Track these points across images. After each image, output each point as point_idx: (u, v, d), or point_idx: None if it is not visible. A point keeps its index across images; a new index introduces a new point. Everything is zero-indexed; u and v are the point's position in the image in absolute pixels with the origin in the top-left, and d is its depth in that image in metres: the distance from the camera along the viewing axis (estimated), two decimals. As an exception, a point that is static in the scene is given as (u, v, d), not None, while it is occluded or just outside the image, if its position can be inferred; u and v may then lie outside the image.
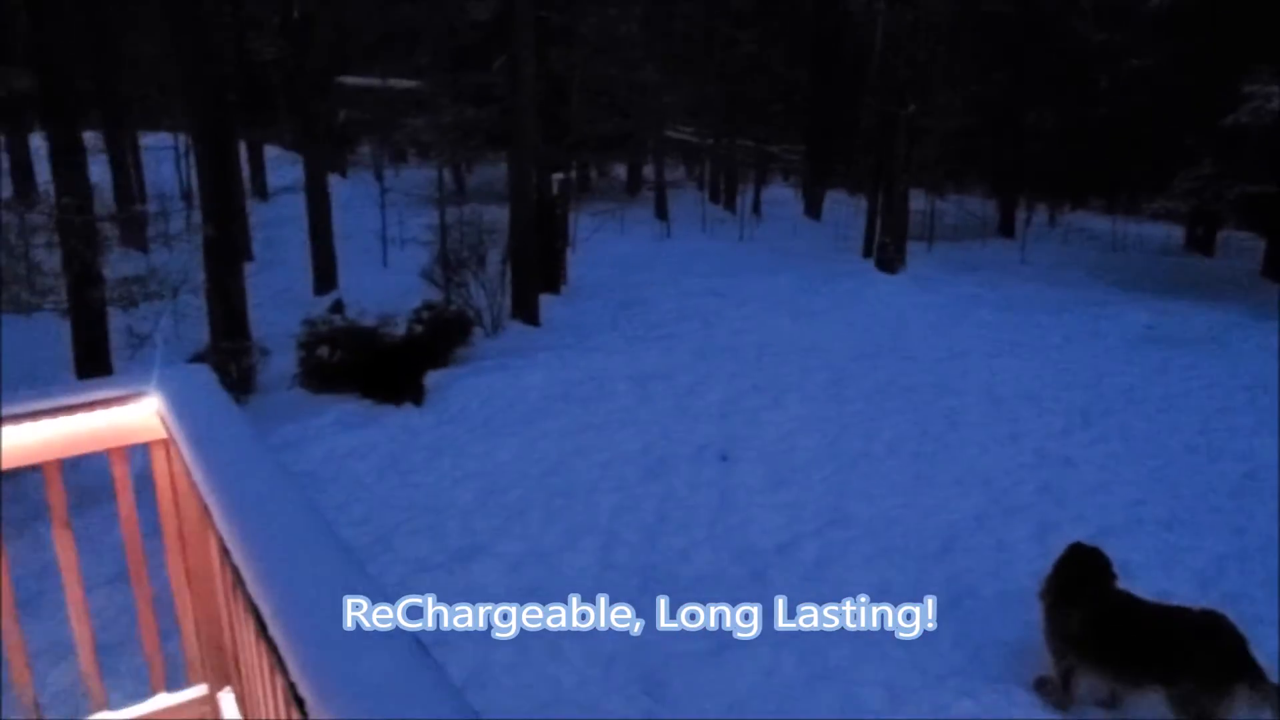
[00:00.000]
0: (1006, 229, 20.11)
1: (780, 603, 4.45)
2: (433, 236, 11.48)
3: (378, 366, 7.77)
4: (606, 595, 4.49)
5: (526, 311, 10.56)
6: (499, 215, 11.10)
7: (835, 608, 4.42)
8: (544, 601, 4.41)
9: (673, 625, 4.25)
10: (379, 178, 16.17)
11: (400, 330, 8.58)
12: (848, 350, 9.17)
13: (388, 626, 1.14)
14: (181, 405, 2.00)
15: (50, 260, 7.16)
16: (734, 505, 5.64)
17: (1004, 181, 20.84)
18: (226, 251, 8.42)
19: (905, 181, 14.80)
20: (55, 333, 7.63)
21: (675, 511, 5.53)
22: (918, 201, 18.11)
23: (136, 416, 2.16)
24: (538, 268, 10.94)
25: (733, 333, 9.82)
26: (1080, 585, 3.81)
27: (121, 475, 2.23)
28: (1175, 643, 3.57)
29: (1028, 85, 19.31)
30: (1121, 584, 4.03)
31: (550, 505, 5.59)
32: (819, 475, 6.12)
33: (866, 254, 15.76)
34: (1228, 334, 10.90)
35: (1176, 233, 19.67)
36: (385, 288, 11.09)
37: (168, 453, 2.18)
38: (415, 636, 1.15)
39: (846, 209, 21.05)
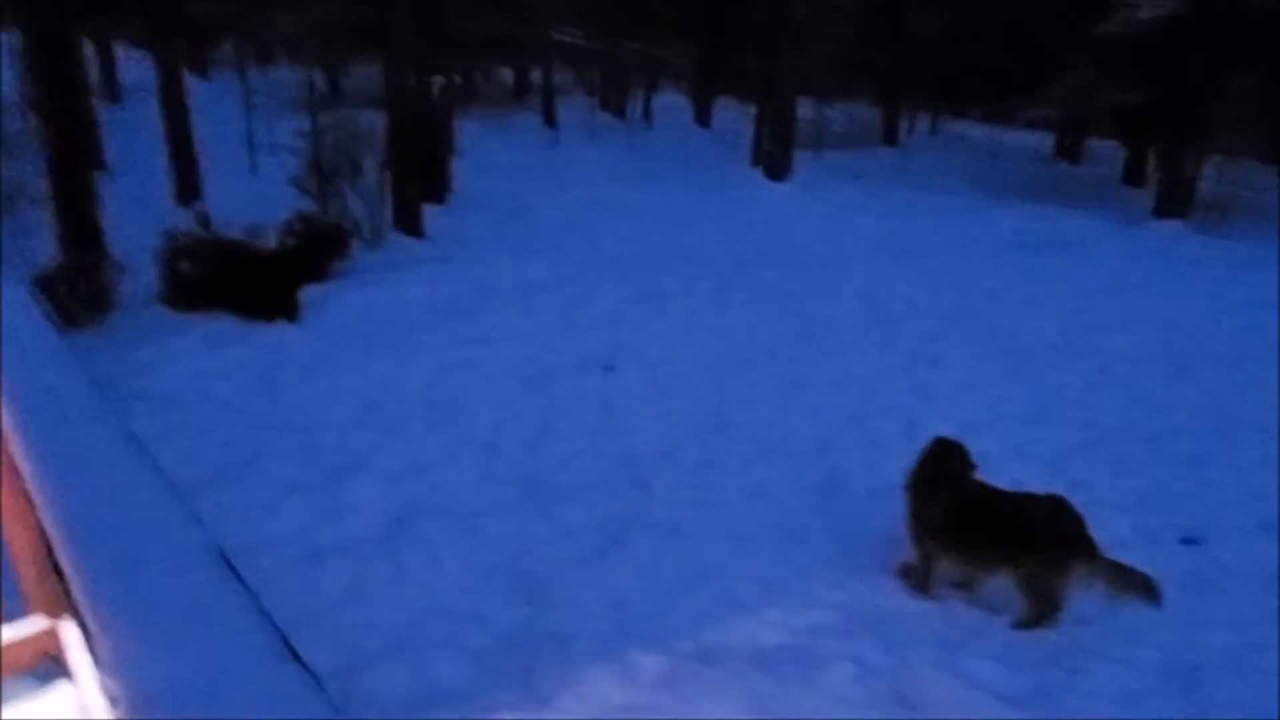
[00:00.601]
0: (891, 137, 20.49)
1: (659, 506, 4.54)
2: (304, 143, 10.88)
3: (247, 281, 7.39)
4: (486, 505, 4.49)
5: (408, 222, 10.21)
6: (376, 121, 10.59)
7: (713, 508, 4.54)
8: (423, 515, 4.38)
9: (554, 533, 4.28)
10: (243, 78, 15.14)
11: (271, 243, 8.16)
12: (732, 258, 9.25)
13: (191, 548, 1.07)
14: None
15: None
16: (616, 414, 5.68)
17: (889, 90, 21.11)
18: (71, 158, 7.77)
19: (792, 89, 14.80)
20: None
21: (557, 422, 5.53)
22: (805, 110, 18.20)
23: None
24: (419, 177, 10.55)
25: (619, 242, 9.76)
26: (941, 477, 4.00)
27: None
28: (1021, 526, 3.81)
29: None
30: (982, 475, 4.27)
31: (430, 420, 5.51)
32: (701, 382, 6.22)
33: (755, 163, 15.79)
34: (1089, 238, 11.48)
35: (1049, 141, 20.43)
36: (254, 198, 10.48)
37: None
38: (221, 553, 1.09)
39: (737, 117, 20.97)
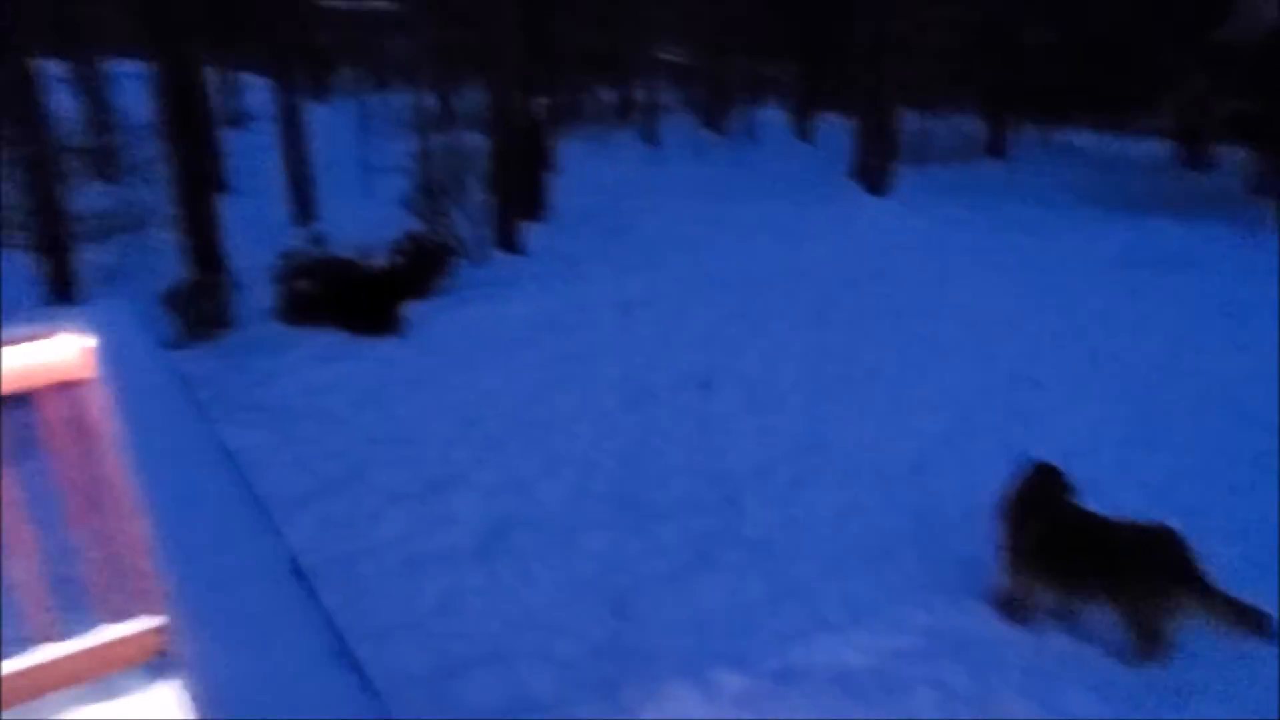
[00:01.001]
0: (997, 149, 19.86)
1: (750, 525, 4.54)
2: (414, 164, 11.33)
3: (357, 298, 7.74)
4: (580, 520, 4.57)
5: (510, 240, 10.49)
6: (483, 142, 10.93)
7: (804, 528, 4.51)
8: (518, 528, 4.49)
9: (645, 549, 4.33)
10: (359, 103, 15.86)
11: (380, 261, 8.52)
12: (832, 275, 9.15)
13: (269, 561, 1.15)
14: (102, 343, 1.99)
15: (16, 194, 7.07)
16: (712, 432, 5.69)
17: (995, 100, 20.49)
18: (195, 182, 8.30)
19: (894, 102, 14.55)
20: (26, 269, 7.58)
21: (653, 439, 5.58)
22: (909, 122, 17.85)
23: (62, 354, 2.16)
24: (521, 195, 10.83)
25: (718, 259, 9.77)
26: (1037, 502, 3.87)
27: (52, 410, 2.23)
28: (1123, 555, 3.64)
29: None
30: (1082, 501, 4.11)
31: (529, 435, 5.64)
32: (797, 401, 6.17)
33: (856, 177, 15.57)
34: (1207, 254, 10.86)
35: (1167, 150, 19.41)
36: (366, 217, 10.98)
37: (92, 389, 2.18)
38: (298, 568, 1.17)
39: (839, 132, 20.71)
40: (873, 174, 14.23)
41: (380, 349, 7.23)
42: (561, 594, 3.94)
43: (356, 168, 14.27)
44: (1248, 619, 3.50)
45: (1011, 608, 3.91)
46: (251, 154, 15.01)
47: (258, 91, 19.70)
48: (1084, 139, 21.71)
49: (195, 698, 0.98)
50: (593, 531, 4.45)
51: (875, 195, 13.77)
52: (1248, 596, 3.60)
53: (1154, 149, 19.67)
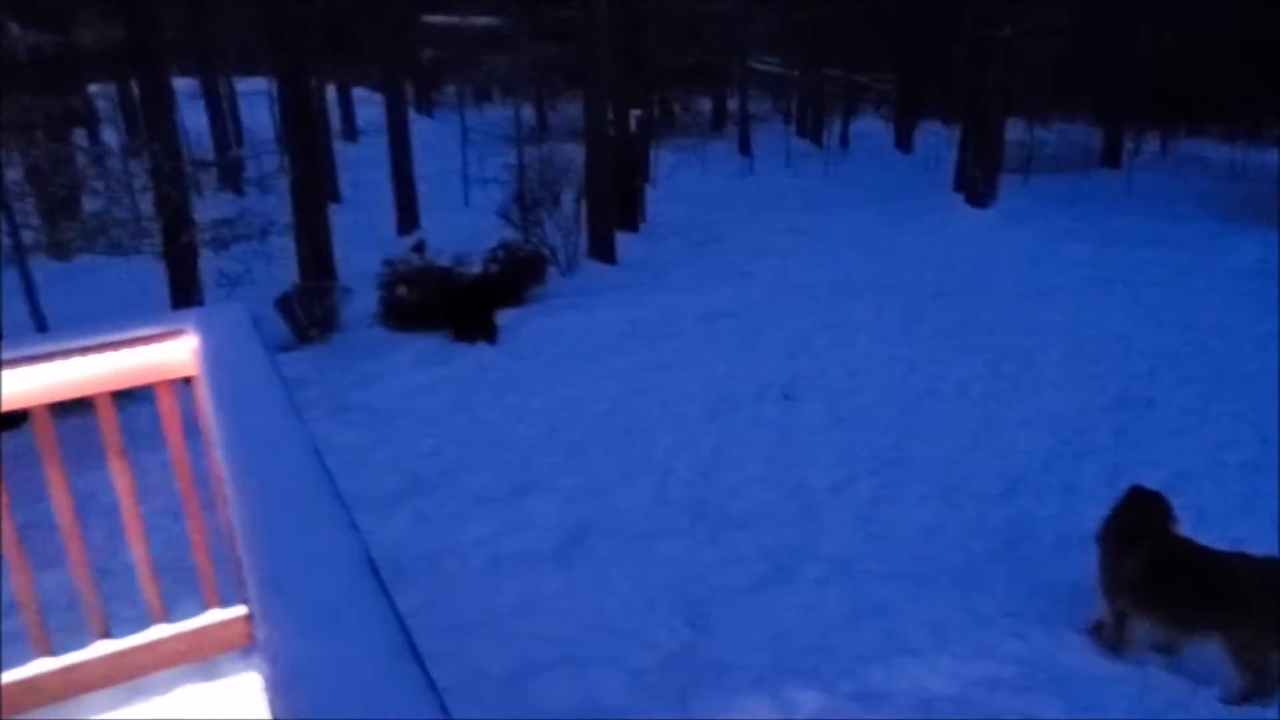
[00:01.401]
0: (1112, 159, 19.03)
1: (828, 540, 4.47)
2: (511, 176, 11.58)
3: (453, 305, 7.96)
4: (657, 528, 4.59)
5: (602, 250, 10.61)
6: (578, 153, 11.11)
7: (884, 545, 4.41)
8: (597, 534, 4.54)
9: (721, 559, 4.32)
10: (462, 116, 16.32)
11: (476, 269, 8.75)
12: (926, 288, 8.93)
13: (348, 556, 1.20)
14: (209, 343, 2.12)
15: (149, 205, 7.54)
16: (793, 444, 5.63)
17: (1110, 107, 19.65)
18: (310, 193, 8.70)
19: (998, 110, 14.12)
20: (155, 275, 8.07)
21: (733, 449, 5.56)
22: (1016, 131, 17.28)
23: (176, 353, 2.30)
24: (614, 205, 10.95)
25: (808, 270, 9.67)
26: (1138, 529, 3.69)
27: (167, 405, 2.38)
28: (1234, 589, 3.44)
29: (1140, 1, 18.04)
30: (1198, 531, 3.90)
31: (610, 442, 5.69)
32: (882, 415, 6.05)
33: (957, 188, 15.18)
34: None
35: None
36: (465, 227, 11.29)
37: (200, 386, 2.32)
38: (372, 564, 1.21)
39: (939, 140, 20.21)
40: (973, 184, 13.84)
41: (474, 354, 7.41)
42: (636, 601, 3.95)
43: (457, 179, 14.68)
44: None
45: (1111, 641, 3.75)
46: (363, 166, 15.62)
47: (370, 106, 20.49)
48: (1207, 148, 20.61)
49: (268, 684, 1.03)
50: (669, 540, 4.46)
51: (976, 206, 13.38)
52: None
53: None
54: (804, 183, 16.02)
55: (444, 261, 8.59)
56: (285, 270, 9.54)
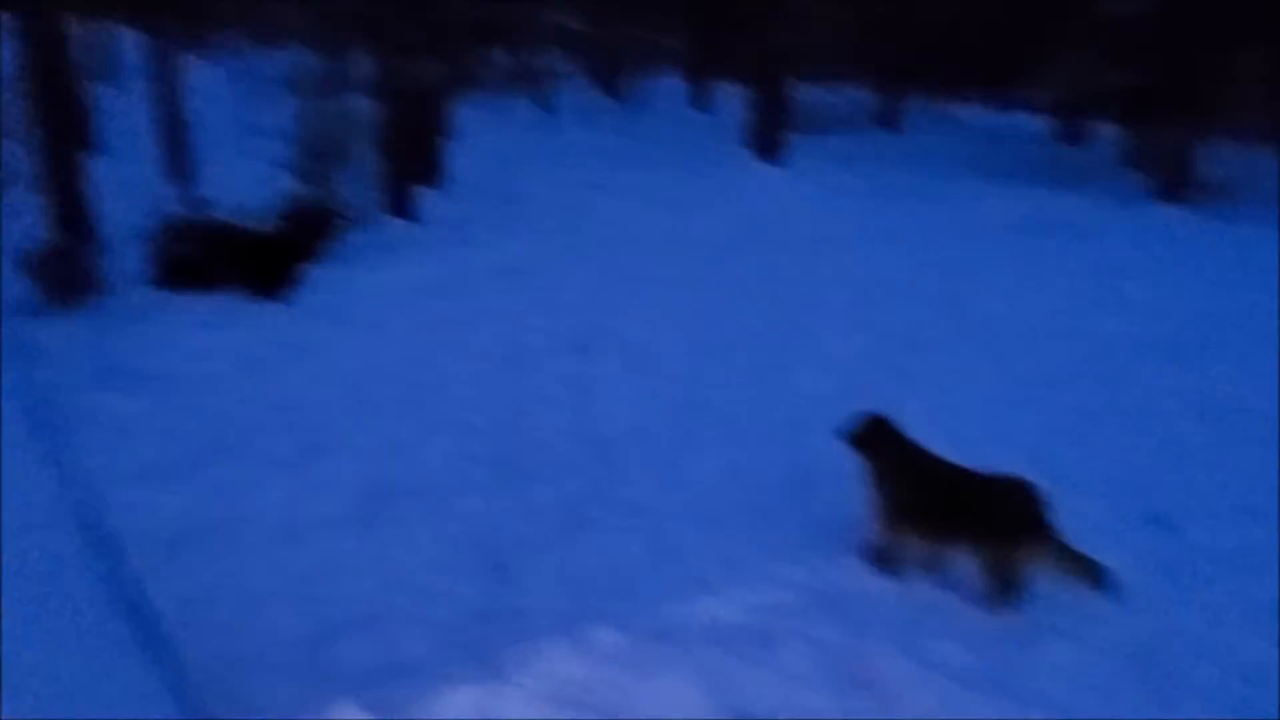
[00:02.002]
0: (890, 121, 20.36)
1: (628, 487, 4.58)
2: (297, 126, 10.88)
3: (237, 263, 7.43)
4: (459, 484, 4.54)
5: (401, 206, 10.22)
6: (370, 105, 10.59)
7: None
8: (397, 493, 4.43)
9: (523, 511, 4.33)
10: (241, 62, 15.15)
11: (263, 225, 8.19)
12: (719, 242, 9.26)
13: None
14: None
15: None
16: (591, 395, 5.71)
17: (888, 72, 20.96)
18: (59, 139, 7.78)
19: (785, 71, 14.71)
20: None
21: (532, 403, 5.57)
22: (803, 93, 18.08)
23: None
24: (411, 161, 10.55)
25: (606, 225, 9.77)
26: (881, 451, 4.00)
27: None
28: (983, 507, 3.82)
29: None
30: (959, 458, 4.29)
31: (409, 399, 5.55)
32: (678, 365, 6.25)
33: (749, 146, 15.73)
34: (1086, 222, 11.43)
35: (1050, 124, 20.26)
36: (246, 180, 10.49)
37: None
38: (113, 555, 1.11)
39: (735, 100, 20.84)
40: (766, 142, 14.41)
41: (264, 315, 6.98)
42: (439, 557, 3.90)
43: (237, 128, 13.63)
44: (1088, 571, 3.74)
45: (882, 561, 4.06)
46: (124, 112, 14.14)
47: (131, 46, 18.55)
48: (972, 112, 22.45)
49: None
50: (471, 495, 4.42)
51: (768, 163, 13.95)
52: (1103, 550, 3.85)
53: (1036, 122, 20.50)
54: (604, 139, 16.09)
55: (226, 216, 7.98)
56: (35, 226, 8.54)
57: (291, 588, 3.68)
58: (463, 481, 4.58)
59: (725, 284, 8.00)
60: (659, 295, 7.59)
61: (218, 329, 6.61)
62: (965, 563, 3.91)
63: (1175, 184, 13.46)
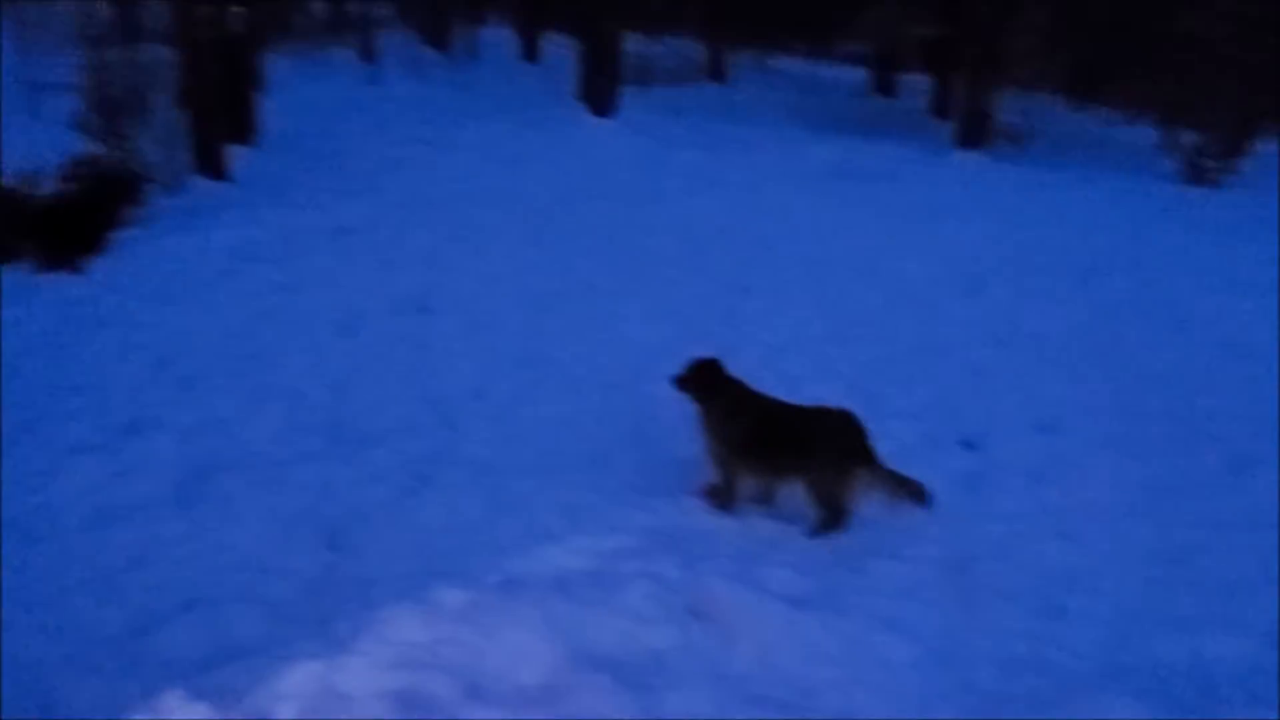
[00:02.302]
0: (717, 73, 20.68)
1: (468, 444, 4.55)
2: (87, 80, 9.91)
3: (26, 233, 6.75)
4: (290, 455, 4.36)
5: (211, 165, 9.52)
6: (169, 56, 9.78)
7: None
8: (221, 469, 4.21)
9: (360, 477, 4.21)
10: (19, 13, 13.61)
11: (51, 188, 7.44)
12: (553, 195, 9.21)
13: None
14: None
15: None
16: (429, 355, 5.61)
17: (714, 25, 21.22)
18: None
19: (614, 23, 14.65)
20: None
21: (367, 366, 5.41)
22: (632, 45, 18.06)
23: None
24: (221, 116, 9.84)
25: (439, 182, 9.50)
26: (717, 394, 4.14)
27: None
28: (810, 439, 4.04)
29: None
30: (788, 392, 4.48)
31: (232, 371, 5.26)
32: (516, 320, 6.21)
33: (580, 99, 15.61)
34: (897, 169, 12.08)
35: (864, 75, 21.18)
36: (33, 141, 9.53)
37: None
38: None
39: (566, 52, 20.57)
40: (596, 95, 14.34)
41: (56, 288, 6.38)
42: (270, 532, 3.75)
43: (17, 86, 12.27)
44: (909, 490, 4.04)
45: (718, 499, 4.22)
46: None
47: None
48: (794, 65, 23.11)
49: None
50: (303, 465, 4.27)
51: (599, 116, 13.91)
52: (919, 471, 4.15)
53: (853, 75, 21.36)
54: (432, 93, 15.54)
55: (9, 182, 7.20)
56: None
57: (105, 578, 3.46)
58: (295, 452, 4.41)
59: (561, 238, 7.98)
60: (495, 251, 7.49)
61: (3, 305, 6.01)
62: (797, 494, 4.12)
63: (975, 131, 14.40)
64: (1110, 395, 5.70)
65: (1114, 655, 3.39)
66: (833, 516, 4.03)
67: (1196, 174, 13.54)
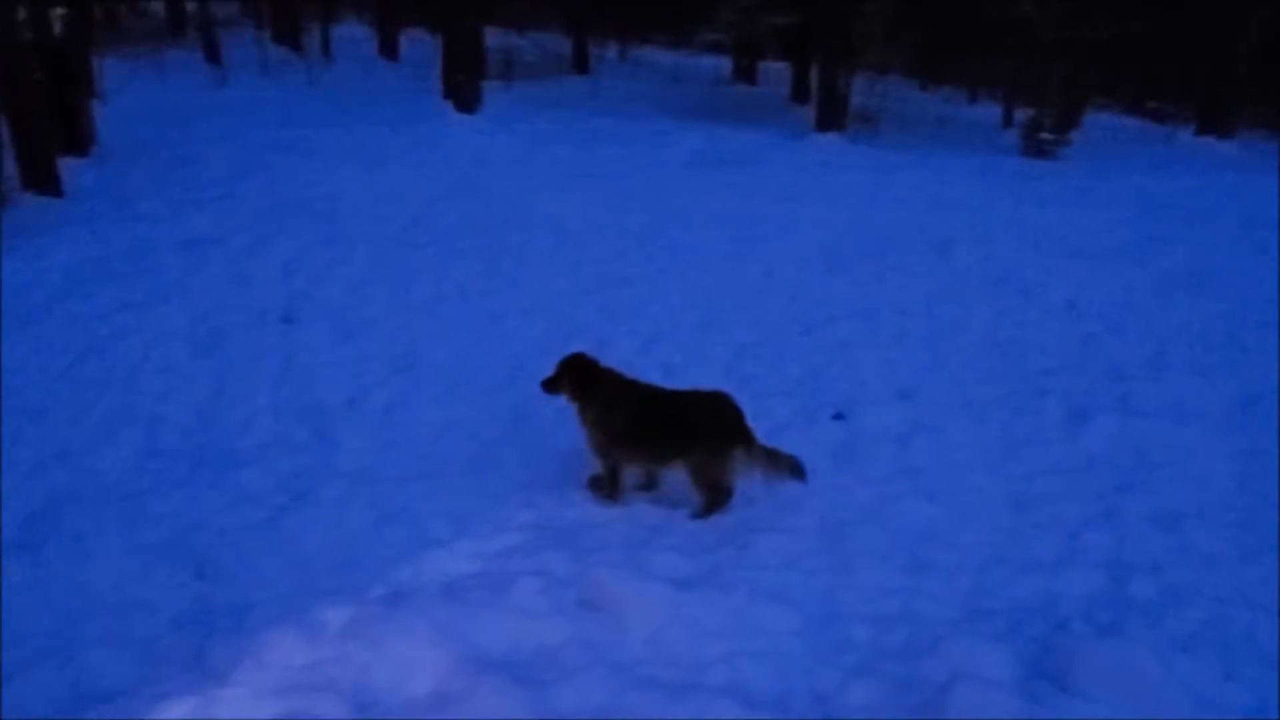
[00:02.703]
0: (582, 65, 20.67)
1: (346, 455, 4.42)
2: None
3: None
4: (150, 483, 4.13)
5: (41, 179, 8.88)
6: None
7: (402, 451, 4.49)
8: (70, 505, 3.95)
9: (229, 500, 4.03)
10: None
11: None
12: (421, 195, 9.01)
13: None
14: None
15: None
16: (298, 367, 5.40)
17: (576, 17, 21.19)
18: None
19: (475, 17, 14.44)
20: None
21: (233, 383, 5.16)
22: (495, 39, 17.87)
23: None
24: (49, 124, 9.18)
25: (300, 187, 9.15)
26: (593, 387, 4.16)
27: None
28: (688, 423, 4.10)
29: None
30: (666, 379, 4.53)
31: (79, 400, 4.92)
32: (389, 325, 6.06)
33: (445, 95, 15.34)
34: (760, 154, 12.38)
35: (728, 64, 21.59)
36: None
37: None
38: None
39: (426, 48, 20.13)
40: (460, 91, 14.11)
41: None
42: (129, 568, 3.53)
43: None
44: (786, 465, 4.16)
45: (603, 490, 4.25)
46: None
47: None
48: (657, 56, 23.34)
49: None
50: (165, 493, 4.05)
51: (464, 112, 13.69)
52: (793, 445, 4.28)
53: (715, 63, 21.73)
54: (286, 94, 14.96)
55: None
56: None
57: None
58: (155, 481, 4.18)
59: (430, 238, 7.82)
60: (362, 256, 7.27)
61: None
62: (680, 478, 4.19)
63: (831, 115, 14.90)
64: (962, 362, 6.02)
65: (977, 601, 3.59)
66: (715, 497, 4.11)
67: (1034, 148, 14.41)
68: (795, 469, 4.16)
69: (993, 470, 4.64)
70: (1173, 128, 18.17)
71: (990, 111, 18.67)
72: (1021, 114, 15.45)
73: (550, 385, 4.26)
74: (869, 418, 5.18)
